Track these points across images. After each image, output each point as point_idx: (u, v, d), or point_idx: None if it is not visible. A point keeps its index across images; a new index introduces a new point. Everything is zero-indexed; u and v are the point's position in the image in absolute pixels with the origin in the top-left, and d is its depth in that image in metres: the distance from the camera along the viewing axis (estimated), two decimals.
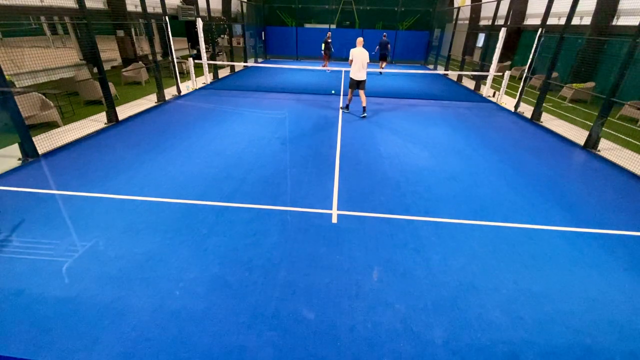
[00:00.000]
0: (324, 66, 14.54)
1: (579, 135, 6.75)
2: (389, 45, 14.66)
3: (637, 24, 5.57)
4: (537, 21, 10.79)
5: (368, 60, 7.46)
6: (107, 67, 12.12)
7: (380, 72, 14.48)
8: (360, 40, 7.52)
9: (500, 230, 3.62)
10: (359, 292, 2.72)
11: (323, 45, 15.16)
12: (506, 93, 10.23)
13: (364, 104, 7.76)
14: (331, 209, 3.91)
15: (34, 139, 4.97)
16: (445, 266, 3.04)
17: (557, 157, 5.89)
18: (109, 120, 6.69)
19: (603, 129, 6.17)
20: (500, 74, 10.31)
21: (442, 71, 14.63)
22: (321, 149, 5.75)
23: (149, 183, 4.36)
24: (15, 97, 4.72)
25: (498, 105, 9.64)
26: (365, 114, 7.78)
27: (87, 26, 5.99)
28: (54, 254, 3.00)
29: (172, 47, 9.00)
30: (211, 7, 11.95)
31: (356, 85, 7.65)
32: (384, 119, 7.81)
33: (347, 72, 14.05)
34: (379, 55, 14.76)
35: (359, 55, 7.34)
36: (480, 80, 11.82)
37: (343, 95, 10.01)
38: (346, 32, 18.76)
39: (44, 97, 6.41)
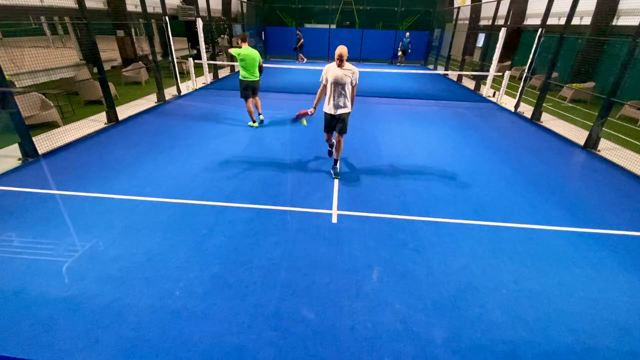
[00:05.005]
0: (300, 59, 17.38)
1: (579, 135, 6.75)
2: (410, 44, 17.36)
3: (637, 24, 5.58)
4: (537, 21, 10.77)
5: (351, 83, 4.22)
6: (107, 67, 12.14)
7: (399, 64, 17.99)
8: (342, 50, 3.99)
9: (500, 230, 3.62)
10: (359, 292, 2.72)
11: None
12: (506, 93, 10.22)
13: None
14: (331, 209, 3.91)
15: (34, 139, 4.97)
16: (445, 266, 3.04)
17: (557, 157, 5.89)
18: (109, 120, 6.69)
19: (603, 129, 6.17)
20: (500, 74, 10.31)
21: (442, 71, 14.61)
22: (321, 149, 5.75)
23: (149, 183, 4.36)
24: (15, 97, 4.72)
25: (498, 105, 9.64)
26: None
27: (87, 26, 5.99)
28: (54, 254, 3.00)
29: (172, 47, 9.00)
30: (211, 7, 11.95)
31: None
32: (383, 119, 7.80)
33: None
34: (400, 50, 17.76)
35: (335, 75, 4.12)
36: (480, 80, 11.82)
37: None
38: (345, 32, 18.77)
39: (44, 97, 6.41)
